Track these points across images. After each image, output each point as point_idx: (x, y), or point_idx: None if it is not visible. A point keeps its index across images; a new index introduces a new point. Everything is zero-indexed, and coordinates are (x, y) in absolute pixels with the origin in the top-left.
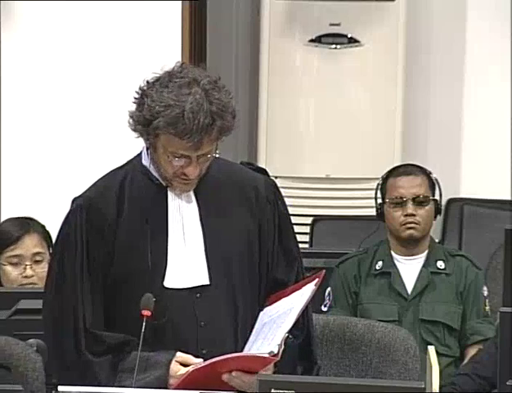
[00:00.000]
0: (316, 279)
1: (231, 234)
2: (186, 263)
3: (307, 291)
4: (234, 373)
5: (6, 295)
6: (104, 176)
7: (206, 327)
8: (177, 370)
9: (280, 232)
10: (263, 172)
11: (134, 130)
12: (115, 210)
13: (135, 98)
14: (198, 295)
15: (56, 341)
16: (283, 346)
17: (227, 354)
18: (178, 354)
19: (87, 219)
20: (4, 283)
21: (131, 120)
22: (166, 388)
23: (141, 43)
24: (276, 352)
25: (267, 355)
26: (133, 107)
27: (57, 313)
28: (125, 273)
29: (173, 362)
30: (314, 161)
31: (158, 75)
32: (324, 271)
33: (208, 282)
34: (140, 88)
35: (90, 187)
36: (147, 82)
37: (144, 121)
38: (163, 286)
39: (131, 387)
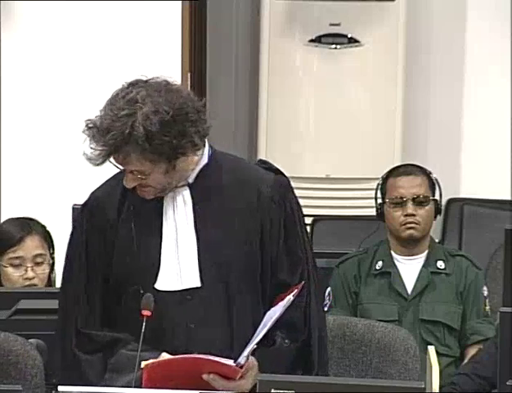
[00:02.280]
0: (295, 290)
1: (226, 236)
2: (178, 265)
3: (285, 302)
4: (211, 376)
5: (6, 295)
6: (114, 174)
7: (196, 329)
8: None
9: (286, 233)
10: (277, 171)
11: None
12: (117, 209)
13: None
14: (189, 297)
15: (58, 339)
16: (249, 358)
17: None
18: (163, 354)
19: (89, 219)
20: (5, 284)
21: None
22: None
23: (141, 43)
24: (242, 363)
25: (232, 364)
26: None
27: (61, 313)
28: (121, 274)
29: None
30: (314, 161)
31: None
32: (303, 282)
33: (199, 285)
34: None
35: (101, 185)
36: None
37: None
38: (154, 288)
39: (120, 387)
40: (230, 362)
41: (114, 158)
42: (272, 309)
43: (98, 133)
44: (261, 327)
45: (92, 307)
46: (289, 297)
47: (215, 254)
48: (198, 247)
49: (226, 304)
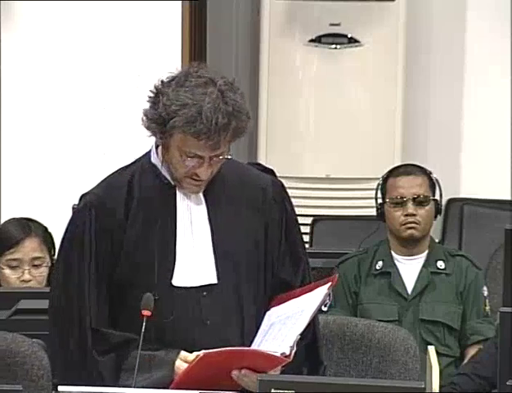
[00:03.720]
0: (330, 283)
1: (238, 234)
2: (194, 261)
3: (320, 293)
4: (243, 371)
5: (6, 295)
6: (111, 174)
7: (212, 326)
8: (182, 368)
9: (286, 232)
10: (271, 172)
11: (148, 128)
12: (124, 209)
13: (149, 97)
14: (204, 293)
15: (61, 340)
16: (295, 348)
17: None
18: (182, 352)
19: (96, 217)
20: (2, 286)
21: (144, 118)
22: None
23: (141, 43)
24: (287, 353)
25: (279, 355)
26: (147, 106)
27: (63, 312)
28: (133, 273)
29: (178, 361)
30: (314, 161)
31: (174, 75)
32: (337, 275)
33: (215, 281)
34: (155, 87)
35: (98, 185)
36: (162, 81)
37: (159, 120)
38: (171, 284)
39: (135, 387)
40: (276, 353)
41: (217, 139)
42: (300, 301)
43: (203, 123)
44: (297, 317)
45: (102, 307)
46: (325, 290)
47: (229, 252)
48: (213, 243)
49: (239, 304)
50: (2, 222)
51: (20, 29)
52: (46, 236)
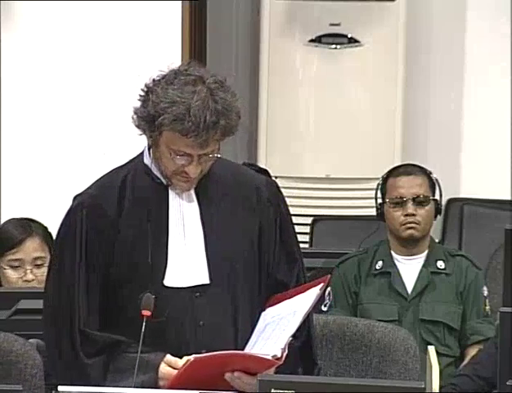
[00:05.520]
0: (322, 284)
1: (231, 234)
2: (187, 262)
3: (312, 294)
4: (236, 373)
5: (6, 295)
6: (105, 174)
7: (205, 326)
8: (166, 372)
9: (281, 233)
10: (265, 173)
11: (137, 126)
12: (116, 209)
13: (140, 95)
14: (198, 294)
15: (54, 340)
16: (286, 350)
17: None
18: (168, 356)
19: (88, 217)
20: (4, 286)
21: (135, 116)
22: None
23: (141, 43)
24: (279, 356)
25: (270, 357)
26: (138, 104)
27: (55, 313)
28: (125, 273)
29: (162, 364)
30: (314, 161)
31: (164, 73)
32: (329, 276)
33: (208, 282)
34: (145, 85)
35: (91, 185)
36: (153, 79)
37: (148, 117)
38: (163, 284)
39: (122, 387)
40: (267, 356)
41: (205, 137)
42: (293, 302)
43: (191, 121)
44: (290, 319)
45: (93, 308)
46: (317, 291)
47: (221, 252)
48: (205, 243)
49: (233, 304)
50: (2, 222)
51: (20, 29)
52: (46, 236)
